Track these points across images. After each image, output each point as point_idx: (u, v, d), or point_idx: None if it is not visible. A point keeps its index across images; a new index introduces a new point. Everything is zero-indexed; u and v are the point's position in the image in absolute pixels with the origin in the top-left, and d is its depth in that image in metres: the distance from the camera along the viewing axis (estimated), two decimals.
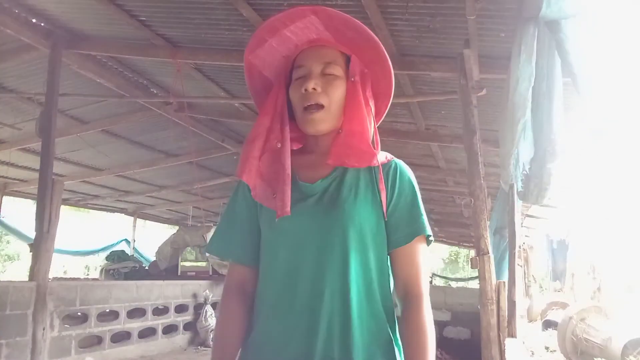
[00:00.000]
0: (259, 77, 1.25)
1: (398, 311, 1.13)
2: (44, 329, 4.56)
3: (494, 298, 3.47)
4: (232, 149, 8.15)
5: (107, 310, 5.70)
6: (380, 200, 1.11)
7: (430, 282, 12.03)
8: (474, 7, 3.09)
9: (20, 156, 7.93)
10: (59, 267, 15.76)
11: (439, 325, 6.88)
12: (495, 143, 3.95)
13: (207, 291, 7.20)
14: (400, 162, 1.17)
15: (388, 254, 1.13)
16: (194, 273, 8.47)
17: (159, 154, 8.46)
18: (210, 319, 7.01)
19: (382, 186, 1.11)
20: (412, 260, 1.11)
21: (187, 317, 7.06)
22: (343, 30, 1.16)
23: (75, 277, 14.59)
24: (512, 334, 3.49)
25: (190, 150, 7.03)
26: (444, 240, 17.00)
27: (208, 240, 7.22)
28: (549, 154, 2.61)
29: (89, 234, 16.40)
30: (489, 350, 3.44)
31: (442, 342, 6.49)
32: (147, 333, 6.29)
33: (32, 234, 4.63)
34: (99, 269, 13.38)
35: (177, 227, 12.95)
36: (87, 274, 17.48)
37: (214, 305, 7.33)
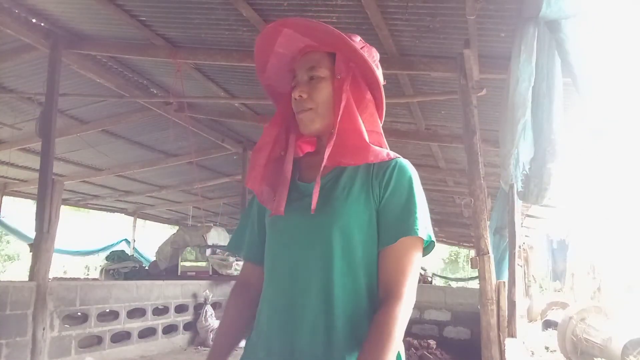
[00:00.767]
0: (280, 93, 1.30)
1: None
2: (44, 329, 4.56)
3: (494, 298, 3.47)
4: (232, 149, 8.16)
5: (107, 310, 5.69)
6: (374, 199, 1.11)
7: (430, 282, 12.02)
8: (474, 7, 3.09)
9: (20, 156, 7.94)
10: (59, 267, 15.77)
11: (439, 325, 6.89)
12: (495, 143, 3.96)
13: (207, 291, 7.19)
14: (403, 162, 1.15)
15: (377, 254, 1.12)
16: (194, 273, 8.46)
17: (159, 154, 8.47)
18: (210, 319, 7.01)
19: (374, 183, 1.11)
20: (395, 262, 1.07)
21: (187, 317, 7.05)
22: (315, 34, 1.18)
23: (75, 277, 14.59)
24: (512, 334, 3.49)
25: (190, 150, 7.03)
26: (444, 240, 17.01)
27: (208, 240, 7.22)
28: (549, 154, 2.61)
29: (89, 234, 16.41)
30: (489, 350, 3.44)
31: (442, 342, 6.49)
32: (147, 333, 6.29)
33: (32, 234, 4.63)
34: (99, 269, 13.38)
35: (177, 227, 12.96)
36: (87, 274, 17.48)
37: (214, 305, 7.33)
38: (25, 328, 4.42)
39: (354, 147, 1.12)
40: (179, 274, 8.46)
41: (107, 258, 10.86)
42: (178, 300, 6.90)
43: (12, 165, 8.32)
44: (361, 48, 1.18)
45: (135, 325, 6.05)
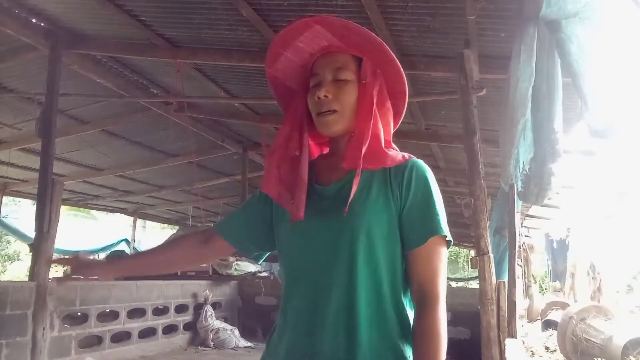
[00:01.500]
0: (284, 89, 1.29)
1: None
2: (44, 329, 4.56)
3: (494, 298, 3.46)
4: (232, 149, 8.16)
5: (107, 310, 5.69)
6: (394, 201, 1.11)
7: None
8: (474, 7, 3.09)
9: (20, 156, 7.93)
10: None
11: None
12: (495, 143, 3.95)
13: (207, 291, 7.19)
14: (418, 162, 1.16)
15: (404, 256, 1.12)
16: (194, 273, 8.46)
17: (159, 154, 8.46)
18: (210, 319, 7.01)
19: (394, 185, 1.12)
20: (426, 263, 1.08)
21: (187, 317, 7.05)
22: (348, 35, 1.17)
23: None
24: (512, 334, 3.49)
25: (190, 150, 7.03)
26: None
27: None
28: (549, 154, 2.60)
29: (89, 234, 16.40)
30: (489, 350, 3.44)
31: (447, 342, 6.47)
32: (147, 333, 6.29)
33: (32, 234, 4.63)
34: None
35: (177, 227, 12.95)
36: None
37: (214, 305, 7.33)
38: (25, 328, 4.42)
39: (373, 151, 1.12)
40: (179, 274, 8.46)
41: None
42: (178, 300, 6.90)
43: (12, 165, 8.31)
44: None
45: (135, 325, 6.05)
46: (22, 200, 11.45)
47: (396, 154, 1.17)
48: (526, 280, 12.18)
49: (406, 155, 1.17)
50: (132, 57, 5.17)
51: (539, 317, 9.85)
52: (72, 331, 5.09)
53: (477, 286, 3.69)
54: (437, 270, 1.08)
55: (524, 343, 6.67)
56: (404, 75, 1.21)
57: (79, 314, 5.31)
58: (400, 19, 3.74)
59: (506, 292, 3.54)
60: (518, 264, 3.73)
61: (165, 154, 8.49)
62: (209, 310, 7.07)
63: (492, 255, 3.56)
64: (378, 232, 1.09)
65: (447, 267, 1.13)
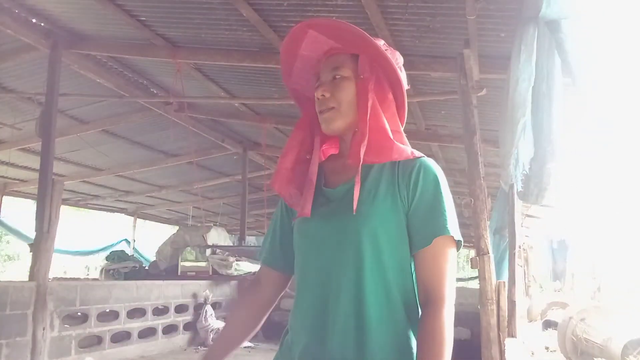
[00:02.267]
0: (306, 99, 1.30)
1: None
2: (44, 329, 4.56)
3: (494, 298, 3.46)
4: (232, 149, 8.16)
5: (107, 310, 5.69)
6: (402, 201, 1.10)
7: None
8: (474, 7, 3.09)
9: (20, 156, 7.93)
10: (59, 267, 15.76)
11: None
12: (495, 143, 3.96)
13: (207, 291, 7.19)
14: (428, 161, 1.14)
15: (412, 256, 1.12)
16: (194, 273, 8.46)
17: (159, 154, 8.46)
18: (210, 319, 7.00)
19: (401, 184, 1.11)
20: (432, 264, 1.07)
21: (187, 317, 7.05)
22: (341, 35, 1.18)
23: (75, 277, 14.58)
24: (512, 334, 3.49)
25: (190, 150, 7.03)
26: None
27: (208, 240, 7.21)
28: (549, 154, 2.61)
29: (89, 234, 16.40)
30: (489, 350, 3.44)
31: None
32: (147, 333, 6.29)
33: (32, 234, 4.63)
34: (99, 269, 13.36)
35: (177, 227, 12.95)
36: (87, 274, 17.47)
37: (214, 305, 7.32)
38: (25, 328, 4.42)
39: (378, 144, 1.11)
40: (179, 274, 8.45)
41: (107, 258, 10.84)
42: (178, 300, 6.90)
43: (12, 165, 8.32)
44: (385, 50, 1.18)
45: (135, 325, 6.05)
46: (22, 200, 11.43)
47: (404, 148, 1.14)
48: (526, 280, 12.18)
49: (416, 153, 1.15)
50: (132, 57, 5.17)
51: (539, 317, 9.85)
52: (72, 331, 5.08)
53: (477, 286, 3.69)
54: (443, 272, 1.06)
55: (524, 343, 6.67)
56: (395, 65, 1.19)
57: (79, 314, 5.31)
58: (400, 19, 3.74)
59: (506, 292, 3.54)
60: (518, 264, 3.73)
61: (165, 154, 8.49)
62: (209, 310, 7.06)
63: (492, 255, 3.56)
64: (385, 234, 1.08)
65: (455, 272, 1.11)
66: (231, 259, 8.06)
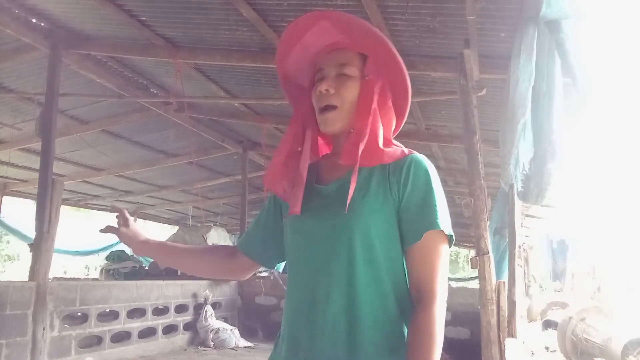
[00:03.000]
0: (296, 87, 1.29)
1: None
2: (44, 329, 4.55)
3: (494, 298, 3.46)
4: (232, 149, 8.16)
5: (107, 310, 5.69)
6: (393, 198, 1.10)
7: None
8: (474, 7, 3.09)
9: (20, 156, 7.93)
10: (59, 267, 15.75)
11: None
12: (495, 143, 3.96)
13: (207, 291, 7.19)
14: (419, 157, 1.14)
15: (404, 252, 1.11)
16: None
17: (159, 154, 8.46)
18: (210, 319, 7.00)
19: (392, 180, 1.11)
20: (423, 259, 1.06)
21: (187, 317, 7.05)
22: (354, 32, 1.17)
23: (75, 277, 14.57)
24: (512, 334, 3.49)
25: (190, 150, 7.03)
26: None
27: (208, 240, 7.19)
28: (549, 154, 2.61)
29: (89, 234, 16.38)
30: (489, 350, 3.44)
31: (442, 342, 6.48)
32: (147, 333, 6.29)
33: (32, 234, 4.63)
34: (99, 269, 13.36)
35: (177, 227, 12.94)
36: (87, 274, 17.47)
37: (214, 305, 7.32)
38: (25, 328, 4.42)
39: (371, 149, 1.11)
40: (179, 274, 8.45)
41: (107, 258, 10.84)
42: (178, 300, 6.90)
43: (12, 165, 8.31)
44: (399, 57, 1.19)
45: (135, 325, 6.05)
46: (22, 200, 11.43)
47: (395, 149, 1.15)
48: (526, 280, 12.19)
49: (406, 150, 1.16)
50: (132, 57, 5.17)
51: (539, 317, 9.85)
52: (72, 331, 5.08)
53: (477, 286, 3.69)
54: (435, 267, 1.06)
55: (524, 343, 6.67)
56: (407, 74, 1.21)
57: (79, 314, 5.31)
58: (400, 19, 3.74)
59: (506, 292, 3.55)
60: (518, 264, 3.73)
61: (165, 154, 8.49)
62: (209, 310, 7.06)
63: (492, 255, 3.56)
64: (376, 230, 1.08)
65: (447, 267, 1.11)
66: None
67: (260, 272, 8.30)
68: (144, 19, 4.36)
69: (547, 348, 7.57)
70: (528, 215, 9.82)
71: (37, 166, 4.96)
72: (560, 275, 12.94)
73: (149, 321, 6.30)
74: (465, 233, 12.58)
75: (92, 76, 5.34)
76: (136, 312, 6.11)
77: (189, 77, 5.41)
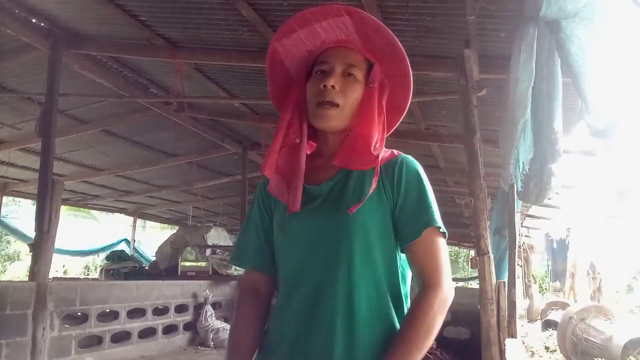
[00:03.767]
0: (280, 68, 1.25)
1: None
2: (44, 329, 4.55)
3: (494, 298, 3.46)
4: (232, 149, 8.16)
5: (107, 310, 5.69)
6: (387, 198, 1.11)
7: None
8: (474, 7, 3.09)
9: (20, 156, 7.93)
10: (59, 267, 15.76)
11: None
12: (495, 143, 3.95)
13: (207, 291, 7.19)
14: (407, 157, 1.16)
15: (402, 252, 1.12)
16: (194, 273, 8.46)
17: (159, 154, 8.46)
18: (210, 319, 7.00)
19: (375, 180, 1.09)
20: (426, 253, 1.08)
21: (187, 317, 7.05)
22: (372, 37, 1.16)
23: (75, 277, 14.58)
24: (512, 334, 3.49)
25: (190, 150, 7.03)
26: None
27: (208, 240, 7.21)
28: (549, 154, 2.60)
29: (89, 234, 16.40)
30: (489, 350, 3.44)
31: (442, 342, 6.49)
32: (147, 333, 6.29)
33: (32, 234, 4.63)
34: (99, 269, 13.37)
35: (177, 227, 12.95)
36: (87, 274, 17.48)
37: (214, 305, 7.32)
38: (25, 328, 4.42)
39: (364, 153, 1.11)
40: (179, 274, 8.46)
41: (107, 258, 10.86)
42: (178, 300, 6.90)
43: (12, 165, 8.32)
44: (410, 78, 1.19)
45: (135, 325, 6.05)
46: (22, 200, 11.44)
47: (384, 151, 1.17)
48: (526, 280, 12.18)
49: (395, 151, 1.17)
50: (132, 57, 5.17)
51: (539, 317, 9.85)
52: (72, 331, 5.08)
53: (477, 286, 3.69)
54: (438, 259, 1.07)
55: (524, 343, 6.67)
56: (411, 93, 1.21)
57: (79, 314, 5.31)
58: (400, 19, 3.74)
59: (506, 292, 3.55)
60: (518, 264, 3.73)
61: (165, 154, 8.49)
62: (209, 310, 7.07)
63: (492, 255, 3.56)
64: (374, 230, 1.09)
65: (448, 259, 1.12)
66: None
67: None
68: (143, 19, 4.35)
69: (547, 348, 7.56)
70: (528, 215, 9.83)
71: (37, 166, 4.96)
72: (560, 275, 12.94)
73: (149, 321, 6.30)
74: (465, 233, 12.58)
75: (92, 76, 5.33)
76: (136, 312, 6.12)
77: (189, 77, 5.40)
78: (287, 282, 1.15)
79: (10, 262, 18.41)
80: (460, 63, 3.74)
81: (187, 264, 9.16)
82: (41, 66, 4.97)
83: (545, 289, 15.49)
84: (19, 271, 16.95)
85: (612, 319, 6.77)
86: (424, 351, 1.01)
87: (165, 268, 9.03)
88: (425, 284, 1.05)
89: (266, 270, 1.23)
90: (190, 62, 5.06)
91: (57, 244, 4.88)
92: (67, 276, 14.71)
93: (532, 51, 2.49)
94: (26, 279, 4.67)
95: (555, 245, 12.84)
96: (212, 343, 6.79)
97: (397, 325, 1.08)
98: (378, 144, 1.13)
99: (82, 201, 12.11)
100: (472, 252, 5.43)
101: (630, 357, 5.78)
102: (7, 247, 18.53)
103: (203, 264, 8.93)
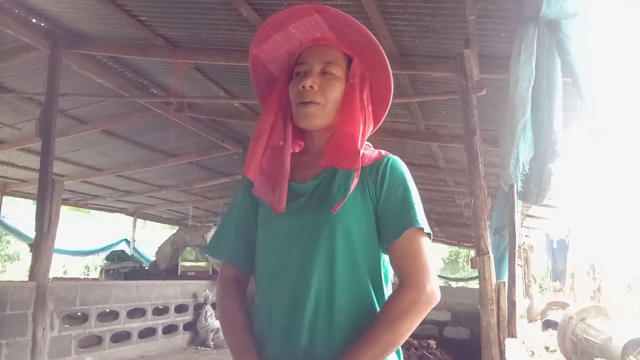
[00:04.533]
0: (264, 71, 1.26)
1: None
2: (44, 329, 4.56)
3: (494, 298, 3.46)
4: (232, 149, 8.16)
5: (107, 310, 5.69)
6: (370, 197, 1.11)
7: None
8: (474, 7, 3.09)
9: (20, 156, 7.94)
10: (59, 267, 15.77)
11: (439, 325, 6.89)
12: (495, 143, 3.95)
13: (207, 291, 7.19)
14: (394, 158, 1.16)
15: (384, 252, 1.12)
16: (194, 273, 8.47)
17: (159, 154, 8.46)
18: (210, 319, 7.01)
19: (356, 176, 1.09)
20: (405, 253, 1.06)
21: (187, 317, 7.05)
22: (346, 32, 1.16)
23: (75, 277, 14.58)
24: (512, 334, 3.49)
25: (190, 150, 7.03)
26: (444, 240, 17.00)
27: (208, 241, 7.24)
28: (549, 154, 2.61)
29: (89, 234, 16.41)
30: (489, 350, 3.44)
31: (442, 342, 6.49)
32: (147, 333, 6.29)
33: (32, 234, 4.63)
34: (99, 269, 13.38)
35: (177, 227, 12.95)
36: (87, 274, 17.49)
37: (214, 305, 7.32)
38: (25, 328, 4.42)
39: (351, 151, 1.11)
40: (179, 274, 8.46)
41: (107, 258, 10.87)
42: (178, 300, 6.90)
43: (12, 165, 8.32)
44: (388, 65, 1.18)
45: (135, 325, 6.05)
46: (22, 200, 11.44)
47: (372, 151, 1.17)
48: (526, 280, 12.20)
49: (382, 152, 1.17)
50: (132, 57, 5.17)
51: (539, 317, 9.86)
52: (72, 331, 5.09)
53: (477, 286, 3.69)
54: (418, 259, 1.05)
55: (524, 343, 6.67)
56: (392, 83, 1.21)
57: (79, 314, 5.31)
58: (400, 19, 3.74)
59: (506, 292, 3.55)
60: (518, 264, 3.73)
61: (165, 154, 8.49)
62: (209, 310, 7.07)
63: (492, 255, 3.56)
64: (357, 229, 1.09)
65: (447, 267, 1.11)
66: None
67: None
68: (143, 18, 4.35)
69: (547, 348, 7.57)
70: (528, 215, 9.83)
71: (37, 166, 4.96)
72: (560, 275, 12.96)
73: (149, 321, 6.30)
74: (465, 233, 12.58)
75: (92, 76, 5.33)
76: (136, 312, 6.12)
77: (189, 77, 5.41)
78: (267, 278, 1.14)
79: (10, 262, 18.43)
80: (460, 63, 3.75)
81: (187, 264, 9.18)
82: (41, 66, 4.98)
83: (545, 289, 15.50)
84: (19, 271, 16.96)
85: (612, 319, 6.77)
86: (388, 347, 0.99)
87: (165, 268, 9.04)
88: (401, 283, 1.05)
89: (239, 264, 1.22)
90: (190, 62, 5.06)
91: (57, 244, 4.88)
92: (67, 276, 14.71)
93: (532, 51, 2.49)
94: (26, 279, 4.67)
95: (555, 245, 12.85)
96: (212, 343, 6.79)
97: None
98: (361, 139, 1.13)
99: (82, 201, 12.11)
100: (472, 252, 5.44)
101: (630, 357, 5.78)
102: (7, 247, 18.54)
103: (203, 264, 8.94)
